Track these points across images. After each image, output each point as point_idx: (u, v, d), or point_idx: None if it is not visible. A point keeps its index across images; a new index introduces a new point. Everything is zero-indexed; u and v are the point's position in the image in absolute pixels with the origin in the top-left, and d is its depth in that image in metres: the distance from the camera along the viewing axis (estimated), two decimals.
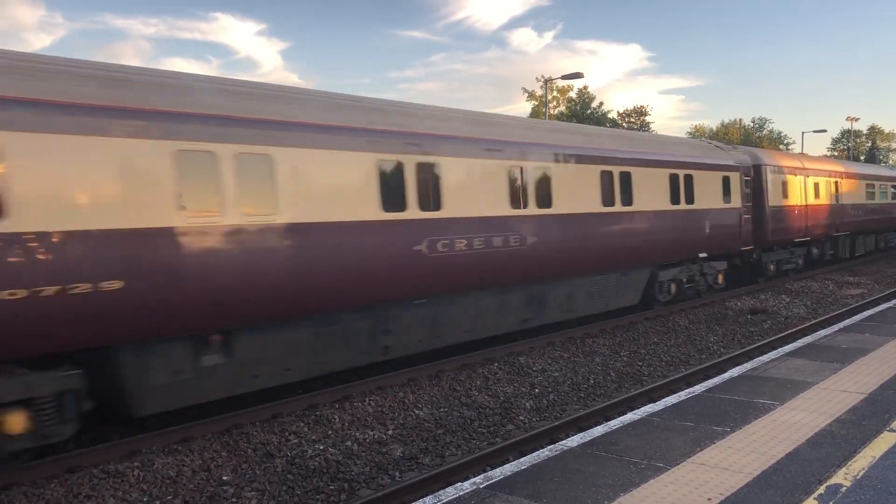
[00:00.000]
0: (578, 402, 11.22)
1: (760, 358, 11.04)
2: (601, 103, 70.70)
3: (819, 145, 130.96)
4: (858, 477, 5.82)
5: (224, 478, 8.05)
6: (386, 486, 7.84)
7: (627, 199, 16.25)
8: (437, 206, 11.74)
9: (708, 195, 19.66)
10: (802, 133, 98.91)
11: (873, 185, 34.85)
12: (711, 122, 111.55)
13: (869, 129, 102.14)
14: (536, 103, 64.16)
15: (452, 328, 12.82)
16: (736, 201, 21.04)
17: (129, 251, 8.03)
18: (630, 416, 7.95)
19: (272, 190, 9.47)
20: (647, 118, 74.26)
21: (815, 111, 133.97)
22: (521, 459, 6.74)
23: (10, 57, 7.77)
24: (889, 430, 7.03)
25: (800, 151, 59.30)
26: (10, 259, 7.22)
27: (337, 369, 11.12)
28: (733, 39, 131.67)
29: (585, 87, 69.24)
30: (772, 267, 24.59)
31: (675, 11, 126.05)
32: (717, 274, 21.03)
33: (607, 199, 15.65)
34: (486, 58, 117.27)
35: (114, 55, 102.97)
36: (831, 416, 7.53)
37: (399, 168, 11.22)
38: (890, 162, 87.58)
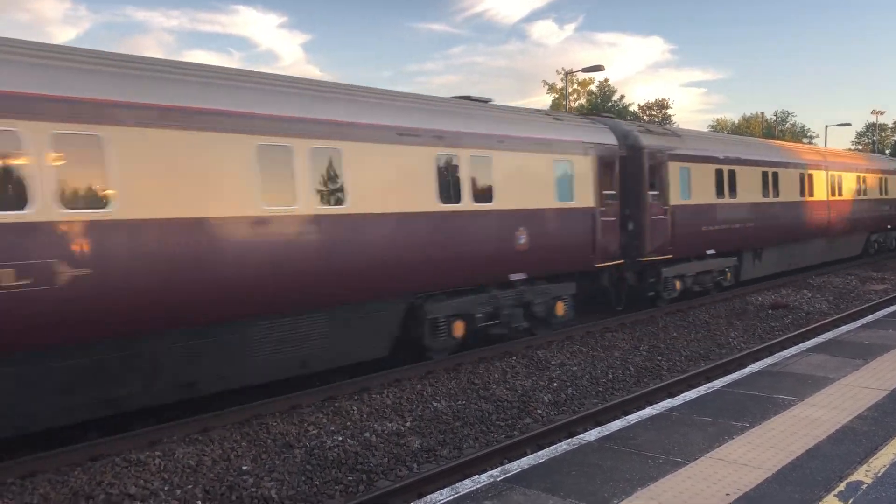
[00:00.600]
0: (597, 397, 11.20)
1: (781, 353, 10.95)
2: (622, 96, 70.18)
3: (843, 139, 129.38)
4: (880, 474, 5.76)
5: (244, 467, 8.13)
6: (404, 477, 7.87)
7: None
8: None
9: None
10: (826, 127, 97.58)
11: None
12: (734, 116, 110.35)
13: (895, 123, 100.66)
14: (557, 96, 63.86)
15: None
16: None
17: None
18: (648, 411, 7.92)
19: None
20: (669, 111, 73.72)
21: (839, 104, 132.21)
22: (539, 453, 6.74)
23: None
24: None
25: (806, 143, 58.61)
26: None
27: (780, 270, 19.05)
28: (756, 31, 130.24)
29: (606, 80, 68.75)
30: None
31: (696, 3, 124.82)
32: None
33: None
34: (506, 50, 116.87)
35: (136, 48, 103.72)
36: (853, 413, 7.45)
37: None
38: None
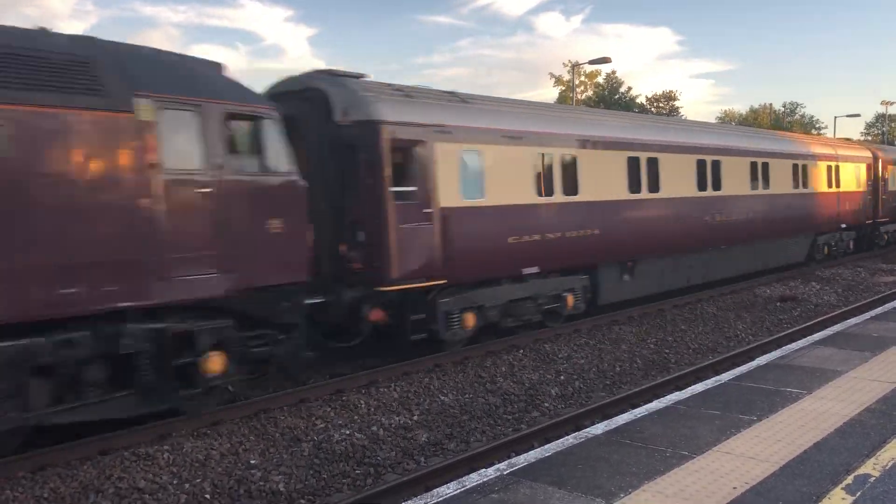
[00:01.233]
0: (604, 390, 11.20)
1: (789, 346, 10.92)
2: (629, 88, 70.00)
3: (853, 130, 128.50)
4: (887, 467, 5.75)
5: (252, 461, 8.17)
6: (411, 470, 7.90)
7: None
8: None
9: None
10: (835, 118, 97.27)
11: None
12: (742, 107, 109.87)
13: None
14: (563, 88, 63.73)
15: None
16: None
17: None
18: (656, 404, 7.91)
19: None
20: (677, 103, 73.46)
21: (848, 95, 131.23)
22: (546, 446, 6.75)
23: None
24: None
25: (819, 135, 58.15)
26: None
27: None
28: (765, 22, 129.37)
29: (613, 72, 68.65)
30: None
31: None
32: None
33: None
34: (512, 43, 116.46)
35: (144, 42, 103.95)
36: (861, 406, 7.43)
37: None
38: None
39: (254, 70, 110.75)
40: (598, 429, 7.09)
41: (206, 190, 8.71)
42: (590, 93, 66.41)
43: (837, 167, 26.27)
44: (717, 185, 19.00)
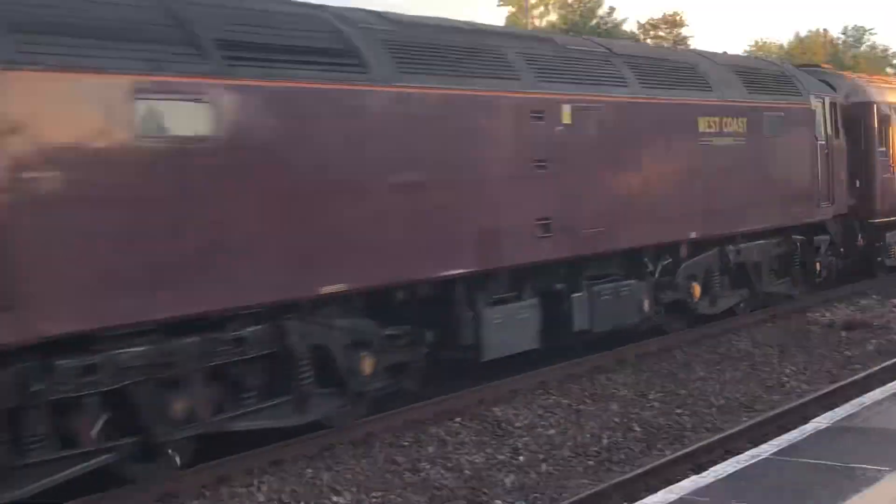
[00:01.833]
0: (585, 475, 11.21)
1: (861, 399, 11.13)
2: (611, 10, 71.23)
3: None
4: None
5: None
6: None
7: None
8: None
9: None
10: None
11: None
12: (781, 37, 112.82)
13: None
14: (513, 10, 64.50)
15: None
16: None
17: None
18: (663, 497, 7.89)
19: None
20: (683, 30, 75.18)
21: None
22: None
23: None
24: None
25: None
26: None
27: None
28: None
29: None
30: None
31: None
32: None
33: None
34: None
35: None
36: None
37: None
38: None
39: None
40: None
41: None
42: (553, 17, 67.30)
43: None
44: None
